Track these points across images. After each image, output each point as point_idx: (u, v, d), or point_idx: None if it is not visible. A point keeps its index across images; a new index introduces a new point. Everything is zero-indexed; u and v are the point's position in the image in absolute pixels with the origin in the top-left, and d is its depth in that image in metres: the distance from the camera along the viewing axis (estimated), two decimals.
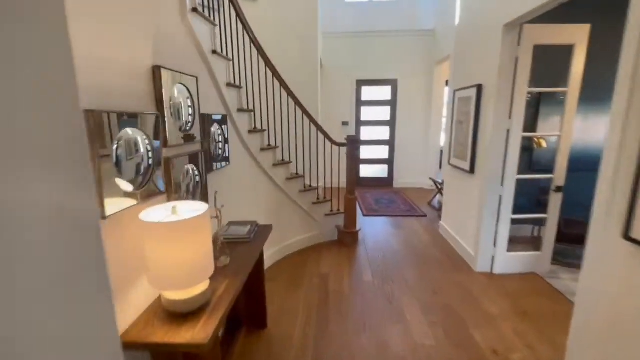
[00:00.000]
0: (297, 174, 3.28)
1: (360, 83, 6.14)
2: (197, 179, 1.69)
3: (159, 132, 1.30)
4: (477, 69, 2.99)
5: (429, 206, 5.10)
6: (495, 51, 2.62)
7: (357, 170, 6.35)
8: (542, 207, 2.94)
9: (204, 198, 1.77)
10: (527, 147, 3.41)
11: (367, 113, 6.30)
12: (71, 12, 0.88)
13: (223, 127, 2.13)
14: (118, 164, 1.05)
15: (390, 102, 6.22)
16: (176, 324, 1.12)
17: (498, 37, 2.57)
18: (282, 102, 3.14)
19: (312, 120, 3.35)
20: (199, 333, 1.07)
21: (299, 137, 3.43)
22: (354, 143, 3.41)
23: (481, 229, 2.86)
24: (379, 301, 2.48)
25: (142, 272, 1.21)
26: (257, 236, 1.95)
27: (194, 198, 1.65)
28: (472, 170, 3.06)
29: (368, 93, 6.22)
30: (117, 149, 1.04)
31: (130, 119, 1.12)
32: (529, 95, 2.82)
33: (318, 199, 3.51)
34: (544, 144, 3.45)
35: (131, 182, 1.12)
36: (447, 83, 5.66)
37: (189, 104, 1.61)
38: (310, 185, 3.47)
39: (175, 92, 1.46)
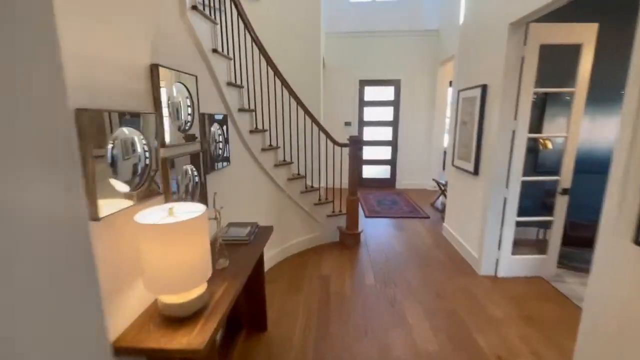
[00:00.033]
0: (298, 174, 3.25)
1: (363, 83, 6.10)
2: (197, 179, 1.66)
3: (156, 131, 1.28)
4: (482, 68, 2.95)
5: (432, 208, 5.05)
6: (501, 51, 2.57)
7: (360, 171, 6.32)
8: (547, 209, 2.89)
9: (203, 199, 1.74)
10: (533, 148, 3.35)
11: (369, 113, 6.26)
12: (61, 10, 0.86)
13: (223, 127, 2.10)
14: (113, 164, 1.02)
15: (393, 103, 6.18)
16: (172, 328, 1.09)
17: (504, 37, 2.53)
18: (283, 102, 3.12)
19: (314, 121, 3.32)
20: (195, 338, 1.04)
21: (300, 138, 3.41)
22: (356, 143, 3.37)
23: (485, 231, 2.81)
24: (381, 304, 2.45)
25: (138, 274, 1.18)
26: (258, 237, 1.93)
27: (193, 199, 1.62)
28: (476, 171, 3.02)
29: (371, 93, 6.18)
30: (112, 148, 1.01)
31: (127, 118, 1.09)
32: (535, 96, 2.77)
33: (320, 199, 3.47)
34: (550, 145, 3.40)
35: (127, 182, 1.10)
36: (450, 83, 5.62)
37: (188, 104, 1.58)
38: (311, 186, 3.44)
39: (174, 91, 1.44)
